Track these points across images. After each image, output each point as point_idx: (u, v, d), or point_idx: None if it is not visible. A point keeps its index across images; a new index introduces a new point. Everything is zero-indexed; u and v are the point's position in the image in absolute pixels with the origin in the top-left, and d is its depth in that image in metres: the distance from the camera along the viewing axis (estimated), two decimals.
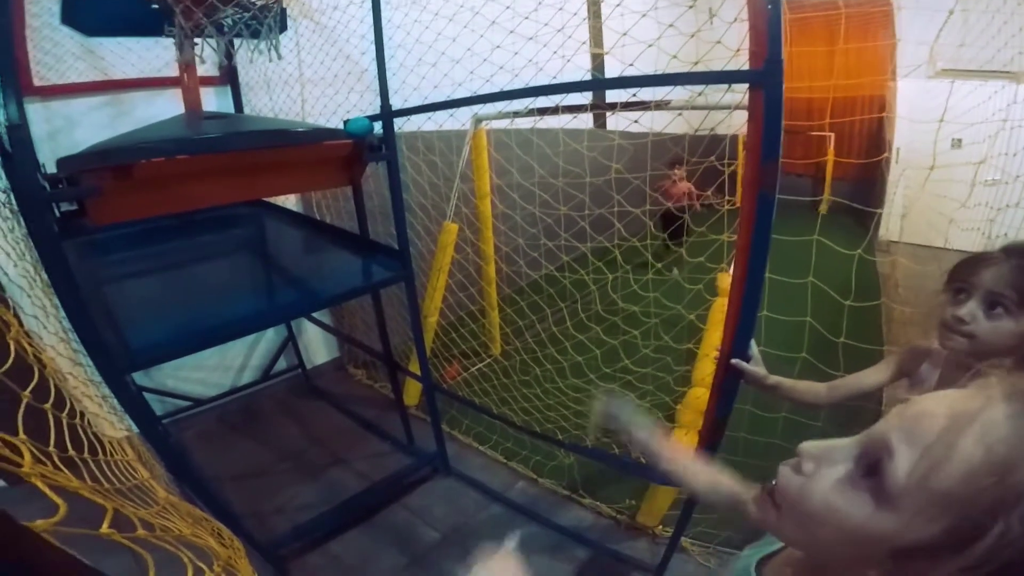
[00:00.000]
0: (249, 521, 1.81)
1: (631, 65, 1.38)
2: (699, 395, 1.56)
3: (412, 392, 2.60)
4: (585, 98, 1.55)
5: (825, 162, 6.02)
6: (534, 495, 2.06)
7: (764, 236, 1.02)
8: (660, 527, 1.82)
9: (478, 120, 2.50)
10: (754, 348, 1.13)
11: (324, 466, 2.24)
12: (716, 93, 1.20)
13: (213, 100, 2.43)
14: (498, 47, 1.95)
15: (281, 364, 2.88)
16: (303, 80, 2.57)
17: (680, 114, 1.74)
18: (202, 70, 2.06)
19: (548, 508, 1.98)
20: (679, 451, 0.86)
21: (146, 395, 2.09)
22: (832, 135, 6.06)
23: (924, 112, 1.94)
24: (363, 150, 1.60)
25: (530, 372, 2.42)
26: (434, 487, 2.11)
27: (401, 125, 1.76)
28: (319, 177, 1.73)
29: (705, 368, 1.57)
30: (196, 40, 1.89)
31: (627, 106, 1.56)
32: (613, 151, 2.26)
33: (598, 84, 2.20)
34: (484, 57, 1.94)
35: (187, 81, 1.97)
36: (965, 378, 0.92)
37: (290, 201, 2.63)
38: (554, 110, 1.75)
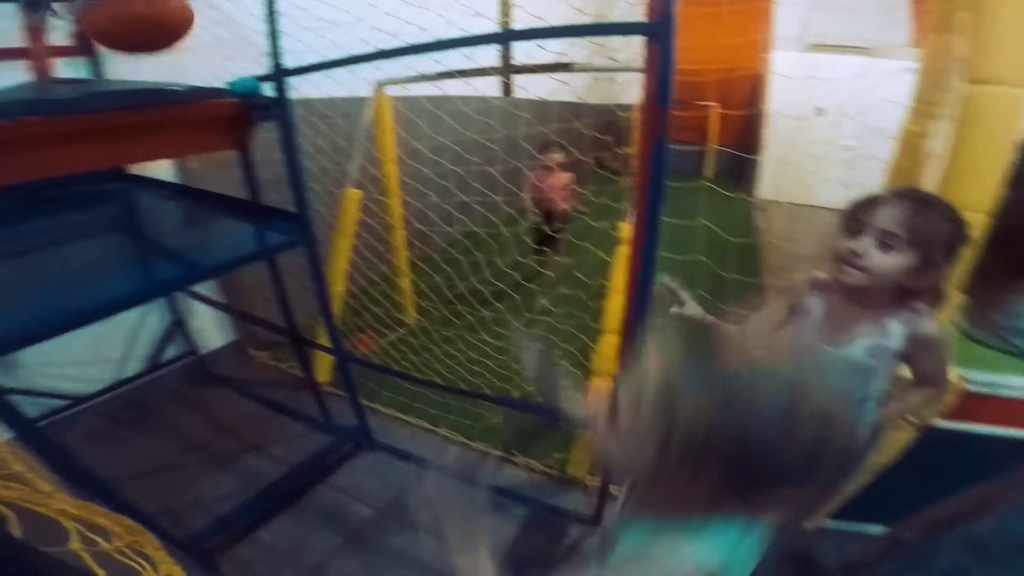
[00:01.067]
0: (164, 519, 1.66)
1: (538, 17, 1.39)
2: (610, 341, 1.65)
3: (323, 367, 2.50)
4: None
5: (710, 131, 6.51)
6: (466, 459, 2.07)
7: (660, 178, 1.09)
8: (590, 478, 1.92)
9: (380, 85, 2.39)
10: (671, 283, 1.19)
11: (236, 454, 2.10)
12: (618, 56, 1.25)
13: (70, 73, 2.07)
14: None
15: (171, 352, 2.62)
16: (179, 47, 2.26)
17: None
18: (58, 39, 1.75)
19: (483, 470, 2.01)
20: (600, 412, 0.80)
21: (15, 397, 1.79)
22: (717, 105, 6.53)
23: (794, 82, 2.14)
24: (250, 110, 1.47)
25: (450, 328, 2.42)
26: (359, 463, 2.06)
27: (303, 93, 1.64)
28: (199, 140, 1.57)
29: (614, 314, 1.64)
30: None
31: (530, 69, 1.56)
32: (518, 118, 2.28)
33: (501, 37, 2.18)
34: (388, 13, 1.82)
35: (35, 47, 1.66)
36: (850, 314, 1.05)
37: (166, 173, 2.34)
38: (460, 73, 1.71)
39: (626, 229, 1.82)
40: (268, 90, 1.53)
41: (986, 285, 1.30)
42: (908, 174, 1.50)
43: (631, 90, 1.30)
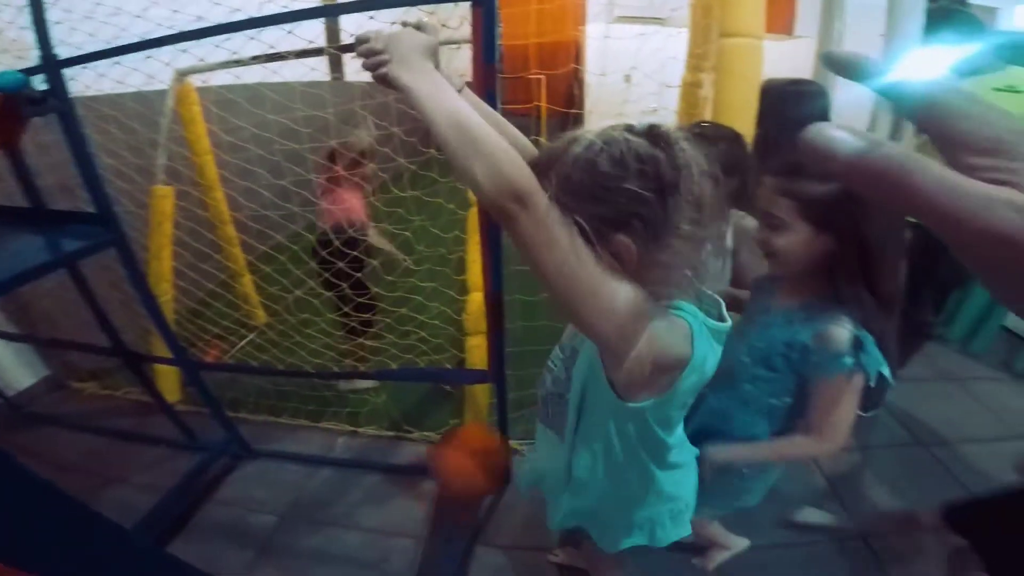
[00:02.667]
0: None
1: None
2: (477, 299, 1.74)
3: (169, 385, 2.24)
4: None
5: (538, 99, 6.89)
6: (360, 446, 2.04)
7: None
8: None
9: (181, 74, 2.13)
10: None
11: (93, 491, 1.82)
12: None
13: None
14: None
15: None
16: None
17: None
18: None
19: (381, 454, 1.99)
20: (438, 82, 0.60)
21: None
22: (543, 77, 6.93)
23: (605, 52, 2.37)
24: (18, 105, 1.25)
25: (311, 325, 2.29)
26: (243, 474, 1.92)
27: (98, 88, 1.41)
28: None
29: (475, 271, 1.71)
30: None
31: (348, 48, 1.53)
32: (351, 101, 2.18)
33: (328, 10, 2.05)
34: None
35: None
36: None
37: None
38: (278, 56, 1.60)
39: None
40: (41, 84, 1.31)
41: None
42: (691, 119, 1.81)
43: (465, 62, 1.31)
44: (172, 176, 2.18)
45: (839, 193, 0.82)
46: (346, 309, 2.07)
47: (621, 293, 0.57)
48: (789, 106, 1.59)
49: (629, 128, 0.59)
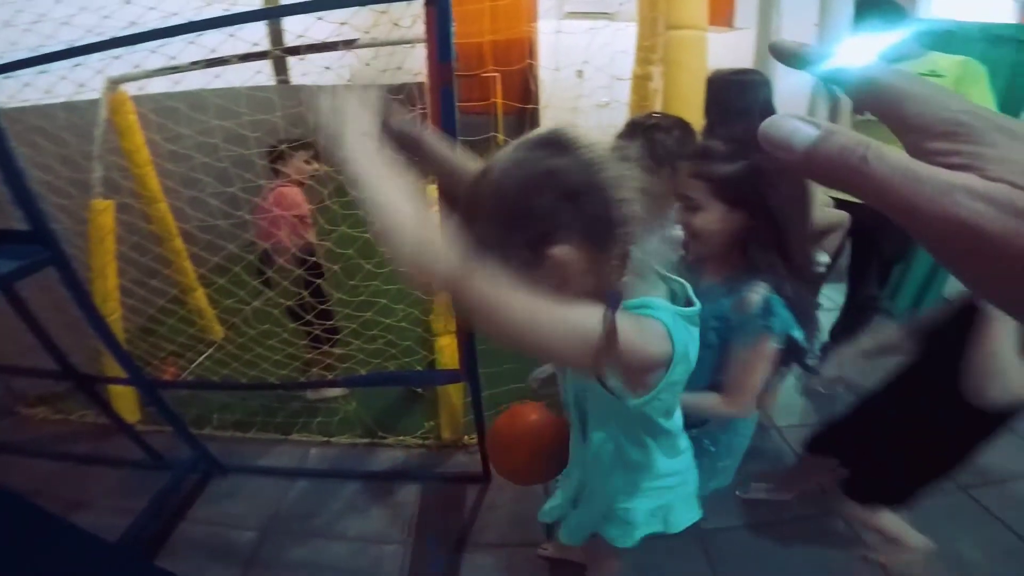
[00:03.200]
0: None
1: None
2: (443, 298, 1.72)
3: (128, 405, 2.14)
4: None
5: (495, 101, 6.88)
6: (335, 456, 1.99)
7: (451, 124, 1.17)
8: (466, 437, 1.97)
9: (113, 82, 2.02)
10: None
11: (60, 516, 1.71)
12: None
13: None
14: None
15: None
16: None
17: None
18: None
19: (356, 461, 1.95)
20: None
21: None
22: (499, 75, 6.93)
23: (557, 48, 2.38)
24: None
25: (272, 336, 2.21)
26: (216, 491, 1.85)
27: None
28: None
29: None
30: None
31: (309, 49, 1.49)
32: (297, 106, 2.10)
33: (272, 12, 1.99)
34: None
35: None
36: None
37: None
38: (220, 61, 1.54)
39: (433, 190, 1.90)
40: None
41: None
42: (641, 111, 1.85)
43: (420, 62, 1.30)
44: (111, 189, 2.07)
45: (745, 170, 0.89)
46: (308, 317, 2.03)
47: (588, 320, 0.56)
48: (735, 95, 1.65)
49: (529, 143, 0.61)
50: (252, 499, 1.82)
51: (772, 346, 0.94)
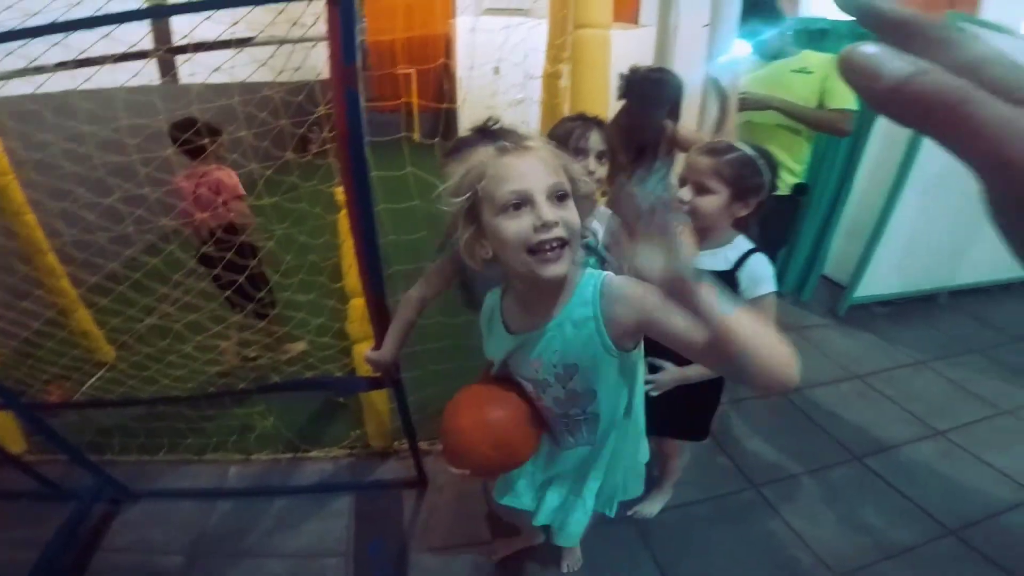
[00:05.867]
0: None
1: None
2: (359, 305, 1.67)
3: (11, 435, 1.92)
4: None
5: (409, 95, 6.75)
6: (256, 473, 1.89)
7: (358, 127, 1.14)
8: (396, 443, 1.93)
9: None
10: None
11: None
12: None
13: None
14: None
15: None
16: None
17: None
18: None
19: (282, 477, 1.86)
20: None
21: None
22: (413, 71, 6.79)
23: (474, 45, 2.35)
24: None
25: (172, 352, 2.05)
26: (131, 517, 1.71)
27: None
28: None
29: (353, 276, 1.66)
30: None
31: (197, 48, 1.38)
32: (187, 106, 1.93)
33: (158, 11, 1.80)
34: None
35: None
36: None
37: None
38: (92, 62, 1.38)
39: (340, 193, 1.82)
40: None
41: (622, 174, 1.73)
42: (553, 109, 1.88)
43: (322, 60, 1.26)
44: None
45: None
46: (259, 295, 1.99)
47: None
48: (652, 89, 1.74)
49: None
50: (172, 523, 1.70)
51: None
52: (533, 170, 0.74)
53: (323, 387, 2.07)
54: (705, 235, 1.23)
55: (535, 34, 2.10)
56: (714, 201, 1.17)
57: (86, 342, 2.39)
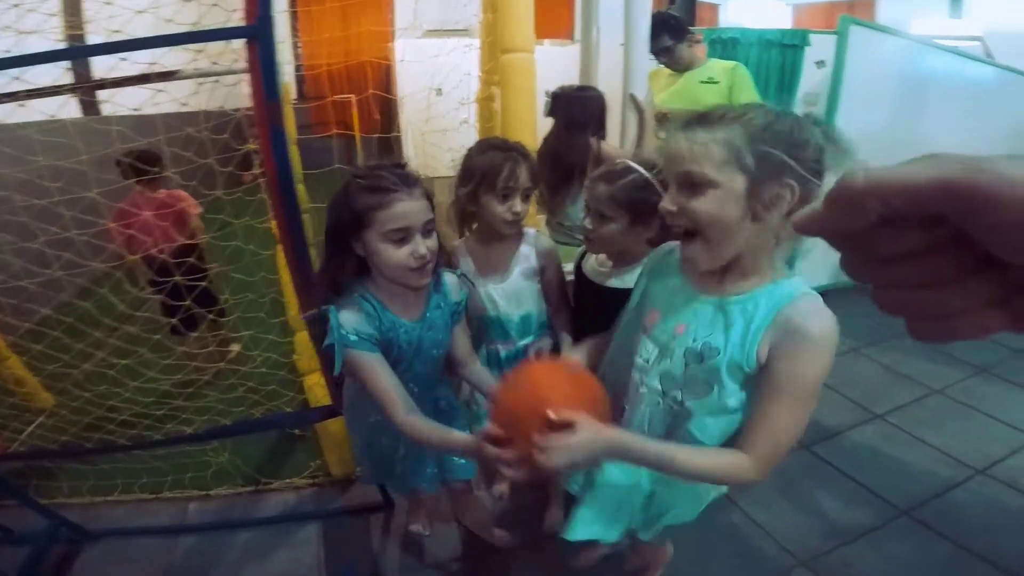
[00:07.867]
0: None
1: (117, 32, 1.22)
2: (303, 338, 1.66)
3: None
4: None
5: (352, 123, 6.69)
6: (217, 508, 1.84)
7: (285, 162, 1.16)
8: (357, 469, 1.89)
9: None
10: None
11: None
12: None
13: None
14: None
15: None
16: None
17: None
18: None
19: (244, 510, 1.82)
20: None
21: None
22: (353, 97, 6.75)
23: (414, 69, 2.37)
24: None
25: (113, 396, 1.96)
26: (91, 558, 1.65)
27: None
28: None
29: (295, 309, 1.67)
30: None
31: (121, 81, 1.36)
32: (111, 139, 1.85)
33: (76, 52, 1.75)
34: None
35: None
36: None
37: None
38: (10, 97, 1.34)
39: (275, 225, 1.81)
40: None
41: (550, 197, 1.80)
42: (488, 133, 1.93)
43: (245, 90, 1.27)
44: None
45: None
46: (211, 316, 2.00)
47: None
48: (578, 108, 1.83)
49: None
50: (134, 561, 1.65)
51: None
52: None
53: (276, 426, 2.02)
54: (622, 257, 1.24)
55: (471, 58, 2.14)
56: (613, 228, 1.16)
57: (22, 390, 2.27)
